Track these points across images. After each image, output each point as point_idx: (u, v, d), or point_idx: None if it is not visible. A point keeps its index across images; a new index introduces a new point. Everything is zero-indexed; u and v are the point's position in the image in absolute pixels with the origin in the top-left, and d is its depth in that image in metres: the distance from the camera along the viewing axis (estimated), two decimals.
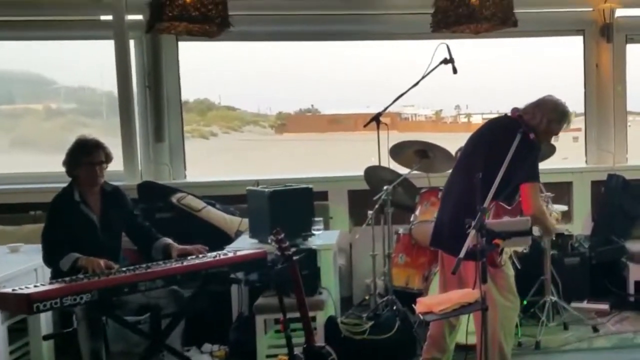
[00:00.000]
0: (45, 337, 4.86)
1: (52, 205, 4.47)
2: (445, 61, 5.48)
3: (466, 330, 4.36)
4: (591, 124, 7.34)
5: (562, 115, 4.20)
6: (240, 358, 4.80)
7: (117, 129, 6.72)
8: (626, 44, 7.24)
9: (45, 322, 4.97)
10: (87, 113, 7.93)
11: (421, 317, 3.62)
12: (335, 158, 9.82)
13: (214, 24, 5.13)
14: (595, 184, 7.10)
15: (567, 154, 7.72)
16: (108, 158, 4.55)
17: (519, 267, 5.36)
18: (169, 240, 4.62)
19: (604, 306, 6.11)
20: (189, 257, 4.39)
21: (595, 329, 5.63)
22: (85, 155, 4.42)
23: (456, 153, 5.42)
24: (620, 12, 7.15)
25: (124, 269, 4.10)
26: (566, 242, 6.43)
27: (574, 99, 7.27)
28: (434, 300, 3.75)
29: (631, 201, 6.71)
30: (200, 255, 4.43)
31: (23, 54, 7.27)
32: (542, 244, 5.78)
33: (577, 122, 7.64)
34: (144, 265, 4.14)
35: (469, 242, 3.34)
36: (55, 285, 3.76)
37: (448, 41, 5.41)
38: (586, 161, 7.41)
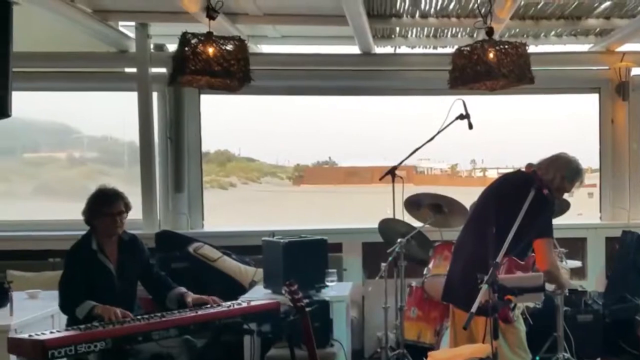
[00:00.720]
0: None
1: (69, 253, 4.54)
2: (461, 117, 5.52)
3: None
4: (606, 181, 7.37)
5: (575, 173, 4.22)
6: None
7: (138, 178, 6.86)
8: None
9: None
10: (109, 162, 8.09)
11: None
12: (350, 210, 9.87)
13: (235, 79, 5.23)
14: (609, 241, 7.09)
15: (582, 210, 7.72)
16: (127, 207, 4.62)
17: (531, 322, 5.34)
18: (184, 290, 4.66)
19: None
20: (203, 307, 4.43)
21: None
22: (105, 206, 4.50)
23: (471, 207, 5.45)
24: (636, 71, 7.25)
25: (138, 317, 4.14)
26: (579, 298, 6.38)
27: (589, 156, 7.34)
28: (445, 354, 3.77)
29: None
30: (215, 305, 4.47)
31: (49, 104, 7.45)
32: (556, 300, 5.74)
33: (592, 178, 7.66)
34: (158, 314, 4.17)
35: (480, 297, 3.35)
36: (70, 332, 3.81)
37: (464, 97, 5.49)
38: (601, 217, 7.41)
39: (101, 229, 4.53)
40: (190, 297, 4.56)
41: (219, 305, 4.46)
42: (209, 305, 4.45)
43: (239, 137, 9.04)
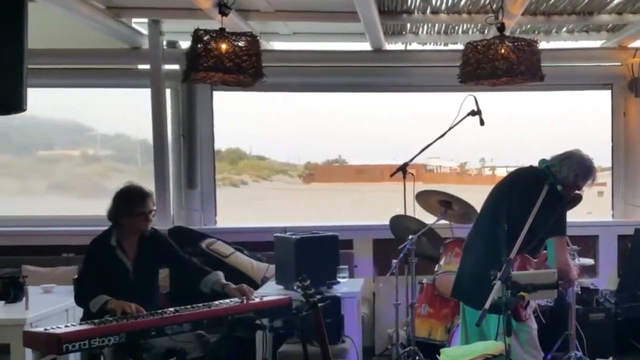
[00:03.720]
0: None
1: (89, 247, 4.57)
2: (472, 113, 5.52)
3: None
4: (618, 178, 7.34)
5: (588, 171, 4.18)
6: None
7: (151, 175, 6.89)
8: None
9: None
10: (122, 159, 8.12)
11: None
12: (360, 208, 9.87)
13: (248, 75, 5.25)
14: (621, 238, 7.06)
15: (592, 209, 7.68)
16: (154, 204, 4.68)
17: (544, 321, 5.32)
18: (222, 277, 4.62)
19: None
20: (240, 297, 4.43)
21: None
22: (138, 205, 4.52)
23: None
24: None
25: (152, 312, 4.16)
26: (591, 297, 6.36)
27: (600, 153, 7.31)
28: (458, 351, 3.74)
29: None
30: (228, 300, 4.48)
31: (63, 101, 7.49)
32: (568, 298, 5.73)
33: (603, 177, 7.63)
34: (171, 309, 4.21)
35: (494, 294, 3.34)
36: (85, 327, 3.84)
37: (472, 94, 5.50)
38: (613, 215, 7.39)
39: (130, 226, 4.55)
40: (232, 286, 4.52)
41: (231, 301, 4.47)
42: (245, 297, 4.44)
43: (250, 136, 9.03)
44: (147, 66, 6.90)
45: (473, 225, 4.43)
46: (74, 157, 8.09)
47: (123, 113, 7.46)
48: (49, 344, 3.71)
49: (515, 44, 5.23)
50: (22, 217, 7.11)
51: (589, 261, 5.99)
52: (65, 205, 7.40)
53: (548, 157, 4.19)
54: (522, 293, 3.28)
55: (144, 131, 7.13)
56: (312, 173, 10.02)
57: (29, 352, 4.46)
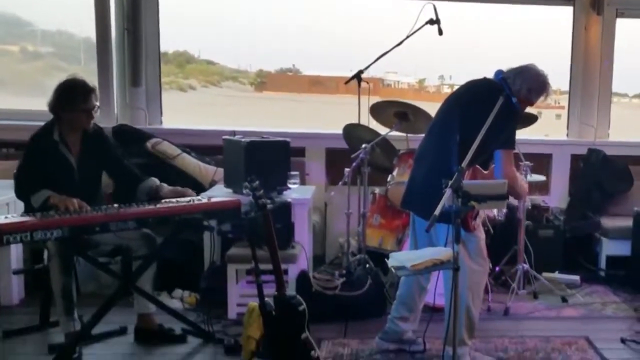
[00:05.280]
0: (15, 272, 4.96)
1: (30, 142, 4.34)
2: (431, 22, 5.46)
3: (434, 292, 4.36)
4: (575, 97, 7.24)
5: (542, 86, 4.16)
6: (210, 305, 4.75)
7: (94, 73, 6.58)
8: (616, 18, 7.13)
9: (15, 259, 5.02)
10: (64, 57, 7.74)
11: (393, 270, 3.59)
12: (314, 119, 9.73)
13: None
14: (574, 158, 7.03)
15: (549, 131, 7.66)
16: (97, 100, 4.46)
17: (492, 232, 5.37)
18: (157, 182, 4.53)
19: (575, 278, 6.12)
20: (179, 200, 4.35)
21: (564, 299, 5.63)
22: (81, 101, 4.30)
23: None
24: None
25: (95, 208, 4.04)
26: (541, 214, 6.40)
27: (559, 74, 7.22)
28: (407, 255, 3.71)
29: (609, 177, 6.66)
30: (174, 200, 4.35)
31: None
32: (517, 214, 5.76)
33: (561, 100, 7.60)
34: (115, 206, 4.10)
35: (444, 202, 3.27)
36: (26, 218, 3.77)
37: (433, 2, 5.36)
38: (567, 134, 7.33)
39: (72, 122, 4.34)
40: (166, 188, 4.47)
41: (177, 201, 4.35)
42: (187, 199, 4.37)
43: (199, 39, 8.67)
44: None
45: (424, 136, 4.36)
46: (13, 53, 7.66)
47: (64, 7, 7.03)
48: None
49: None
50: None
51: (541, 178, 5.99)
52: (3, 101, 7.02)
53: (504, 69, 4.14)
54: (472, 203, 3.24)
55: (87, 28, 6.76)
56: (264, 81, 9.76)
57: None
